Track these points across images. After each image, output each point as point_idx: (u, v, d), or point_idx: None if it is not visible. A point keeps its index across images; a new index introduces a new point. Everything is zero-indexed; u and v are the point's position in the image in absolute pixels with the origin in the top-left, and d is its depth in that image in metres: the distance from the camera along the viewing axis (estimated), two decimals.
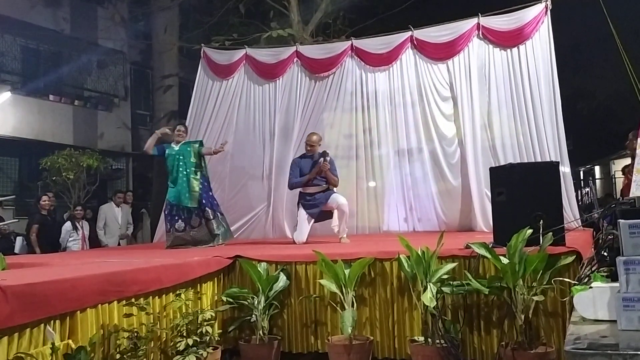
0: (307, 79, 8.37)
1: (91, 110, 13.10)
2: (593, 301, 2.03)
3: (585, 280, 2.52)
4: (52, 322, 2.59)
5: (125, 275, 3.21)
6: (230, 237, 6.40)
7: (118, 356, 2.95)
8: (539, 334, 3.69)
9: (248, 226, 8.14)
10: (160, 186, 8.57)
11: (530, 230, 3.59)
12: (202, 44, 9.11)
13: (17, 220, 8.59)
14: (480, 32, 7.57)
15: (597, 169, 19.57)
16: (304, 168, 6.10)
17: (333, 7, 11.37)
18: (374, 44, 8.18)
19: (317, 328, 4.23)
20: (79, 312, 2.77)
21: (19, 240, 7.82)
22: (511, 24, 7.46)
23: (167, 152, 6.21)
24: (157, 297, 3.48)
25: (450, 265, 3.81)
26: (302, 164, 6.16)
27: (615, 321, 1.86)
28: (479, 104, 7.51)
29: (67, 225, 8.05)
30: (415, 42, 7.90)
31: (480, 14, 7.59)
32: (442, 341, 3.68)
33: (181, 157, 6.14)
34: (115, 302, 3.06)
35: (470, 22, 7.62)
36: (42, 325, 2.53)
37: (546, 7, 7.27)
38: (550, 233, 3.57)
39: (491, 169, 4.60)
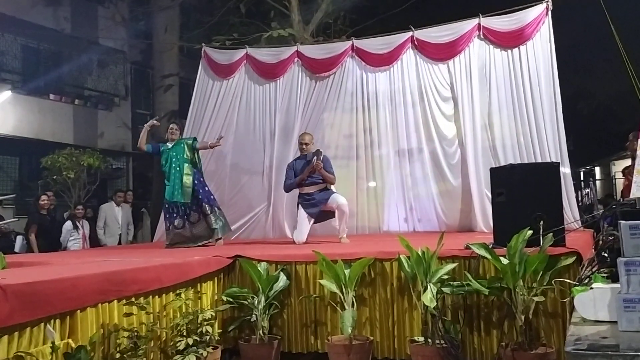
0: (307, 79, 8.37)
1: (91, 110, 13.11)
2: (594, 302, 2.03)
3: (586, 281, 2.53)
4: (52, 321, 2.59)
5: (125, 274, 3.21)
6: (228, 231, 6.44)
7: (118, 355, 2.95)
8: (539, 334, 3.69)
9: (248, 226, 8.13)
10: (160, 185, 8.56)
11: (530, 231, 3.59)
12: (203, 44, 9.11)
13: (17, 219, 8.59)
14: (481, 33, 7.57)
15: (597, 169, 19.57)
16: (298, 169, 6.13)
17: (334, 7, 11.37)
18: (375, 44, 8.17)
19: (317, 328, 4.23)
20: (79, 311, 2.77)
21: (19, 239, 7.82)
22: (512, 25, 7.45)
23: (161, 149, 6.30)
24: (157, 296, 3.48)
25: (450, 266, 3.81)
26: (297, 165, 6.19)
27: (615, 322, 1.87)
28: (479, 105, 7.51)
29: (68, 224, 8.05)
30: (416, 43, 7.90)
31: (481, 15, 7.59)
32: (442, 341, 3.67)
33: (174, 154, 6.22)
34: (115, 302, 3.06)
35: (471, 23, 7.62)
36: (42, 324, 2.53)
37: (547, 8, 7.27)
38: (551, 234, 3.57)
39: (491, 170, 4.60)
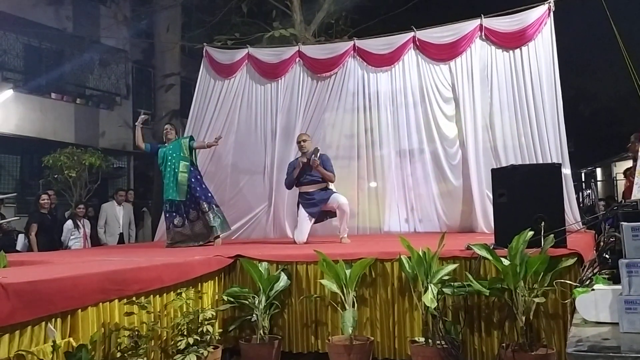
0: (309, 79, 8.37)
1: (93, 109, 13.12)
2: (595, 303, 2.03)
3: (587, 282, 2.52)
4: (53, 320, 2.59)
5: (126, 273, 3.21)
6: (227, 228, 6.47)
7: (119, 354, 2.95)
8: (540, 335, 3.69)
9: (249, 226, 8.13)
10: (161, 185, 8.59)
11: (531, 232, 3.58)
12: (205, 43, 9.11)
13: (18, 218, 8.60)
14: (483, 33, 7.56)
15: (598, 171, 19.55)
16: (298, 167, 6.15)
17: (335, 7, 11.37)
18: (376, 45, 8.17)
19: (317, 328, 4.23)
20: (80, 310, 2.77)
21: (21, 238, 7.82)
22: (514, 26, 7.45)
23: (159, 149, 6.38)
24: (158, 295, 3.48)
25: (451, 266, 3.80)
26: (296, 164, 6.21)
27: (617, 324, 1.86)
28: (480, 105, 7.50)
29: (69, 223, 8.05)
30: (417, 43, 7.89)
31: (483, 15, 7.58)
32: (443, 342, 3.67)
33: (170, 152, 6.29)
34: (116, 301, 3.06)
35: (473, 23, 7.62)
36: (44, 323, 2.53)
37: (549, 9, 7.25)
38: (552, 235, 3.56)
39: (493, 170, 4.60)
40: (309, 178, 6.07)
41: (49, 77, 12.09)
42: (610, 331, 1.86)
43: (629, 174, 7.37)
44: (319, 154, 6.04)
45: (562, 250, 3.70)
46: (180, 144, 6.32)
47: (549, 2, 7.25)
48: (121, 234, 8.85)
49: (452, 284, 3.75)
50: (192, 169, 6.29)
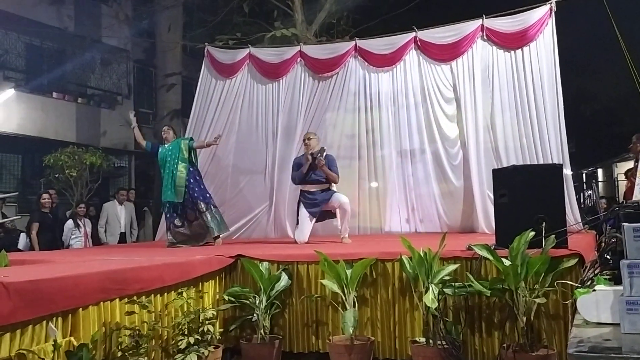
0: (310, 79, 8.37)
1: (94, 108, 13.13)
2: (596, 304, 2.02)
3: (589, 283, 2.52)
4: (54, 319, 2.60)
5: (127, 273, 3.21)
6: (224, 229, 6.47)
7: (120, 354, 2.95)
8: (541, 336, 3.68)
9: (249, 225, 8.13)
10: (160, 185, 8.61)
11: (532, 233, 3.58)
12: (206, 43, 9.11)
13: (19, 217, 8.61)
14: (485, 34, 7.55)
15: (599, 171, 19.53)
16: (303, 163, 6.15)
17: (337, 8, 11.37)
18: (378, 45, 8.17)
19: (318, 328, 4.23)
20: (81, 309, 2.77)
21: (22, 237, 7.82)
22: (515, 26, 7.44)
23: (159, 150, 6.41)
24: (158, 295, 3.49)
25: (452, 267, 3.80)
26: (303, 159, 6.22)
27: (618, 324, 1.86)
28: (482, 106, 7.50)
29: (70, 222, 8.06)
30: (419, 43, 7.89)
31: (484, 16, 7.57)
32: (444, 342, 3.67)
33: (169, 153, 6.31)
34: (117, 300, 3.07)
35: (475, 24, 7.61)
36: (45, 322, 2.53)
37: (551, 9, 7.24)
38: (553, 235, 3.56)
39: (494, 171, 4.59)
40: (314, 177, 6.07)
41: (50, 76, 12.10)
42: (611, 332, 1.86)
43: (630, 174, 7.37)
44: (325, 154, 6.03)
45: (563, 250, 3.69)
46: (179, 144, 6.32)
47: (551, 3, 7.24)
48: (123, 234, 8.85)
49: (453, 284, 3.75)
50: (191, 169, 6.29)
